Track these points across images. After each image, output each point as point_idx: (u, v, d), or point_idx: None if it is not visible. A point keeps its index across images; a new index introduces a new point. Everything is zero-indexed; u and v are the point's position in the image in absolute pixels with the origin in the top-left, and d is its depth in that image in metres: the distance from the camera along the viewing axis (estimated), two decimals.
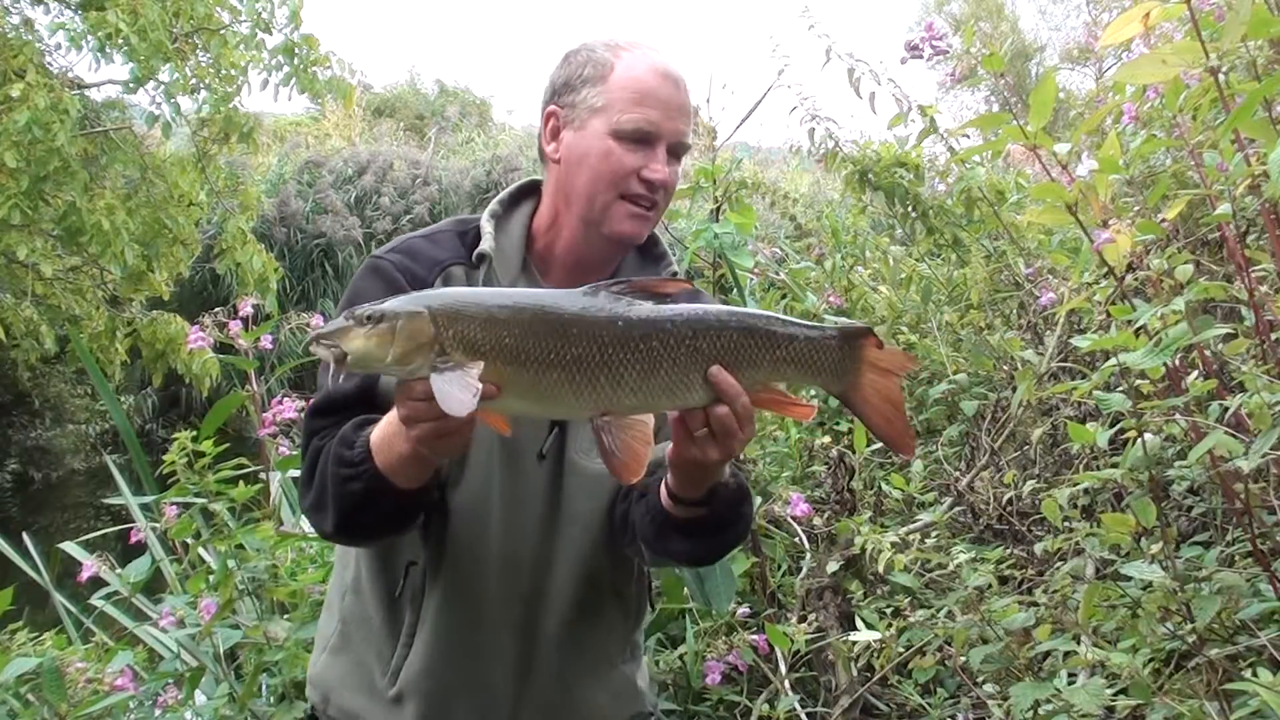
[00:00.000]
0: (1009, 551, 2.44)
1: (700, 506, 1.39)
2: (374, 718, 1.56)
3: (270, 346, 2.90)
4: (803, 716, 2.46)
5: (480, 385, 1.12)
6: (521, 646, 1.55)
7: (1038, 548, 2.13)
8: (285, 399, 2.74)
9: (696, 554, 1.50)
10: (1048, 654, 2.08)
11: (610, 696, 1.64)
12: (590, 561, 1.56)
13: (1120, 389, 1.87)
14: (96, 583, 2.65)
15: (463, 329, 1.15)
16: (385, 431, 1.32)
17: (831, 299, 3.39)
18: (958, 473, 3.03)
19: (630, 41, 1.54)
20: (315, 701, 1.63)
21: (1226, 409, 1.78)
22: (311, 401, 1.52)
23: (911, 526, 2.69)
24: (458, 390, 1.11)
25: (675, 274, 1.62)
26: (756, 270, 3.50)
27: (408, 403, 1.19)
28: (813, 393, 2.60)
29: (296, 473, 2.44)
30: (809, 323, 1.30)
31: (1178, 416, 1.88)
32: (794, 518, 2.69)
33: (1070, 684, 1.92)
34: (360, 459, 1.34)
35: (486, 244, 1.53)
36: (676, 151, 1.52)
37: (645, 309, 1.22)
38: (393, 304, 1.16)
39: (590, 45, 1.54)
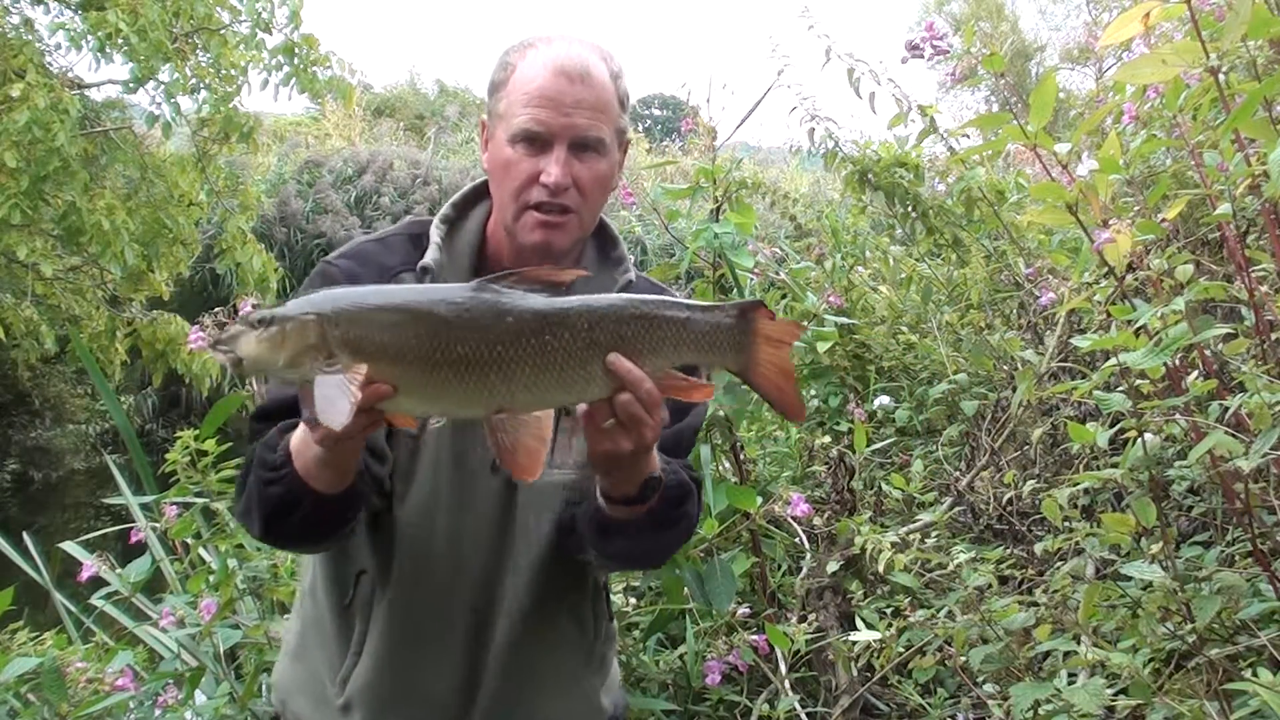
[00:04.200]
0: (1009, 551, 2.44)
1: (637, 505, 1.35)
2: None
3: None
4: (803, 716, 2.46)
5: (358, 392, 1.10)
6: (469, 660, 1.51)
7: (1038, 548, 2.13)
8: None
9: (639, 555, 1.46)
10: (1048, 654, 2.08)
11: (565, 713, 1.59)
12: (542, 575, 1.52)
13: (1120, 389, 1.87)
14: (96, 583, 2.64)
15: (347, 331, 1.13)
16: (302, 436, 1.29)
17: (831, 299, 3.39)
18: (958, 473, 3.04)
19: (546, 37, 1.46)
20: (276, 707, 1.62)
21: (1226, 409, 1.78)
22: (255, 407, 1.48)
23: (911, 526, 2.69)
24: (336, 397, 1.10)
25: (630, 281, 1.56)
26: (756, 270, 3.50)
27: (305, 406, 1.16)
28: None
29: None
30: (703, 303, 1.27)
31: (1178, 416, 1.88)
32: (794, 518, 2.69)
33: (1070, 684, 1.92)
34: (281, 463, 1.32)
35: (430, 256, 1.48)
36: (586, 145, 1.43)
37: (538, 302, 1.18)
38: (285, 307, 1.15)
39: (511, 47, 1.48)
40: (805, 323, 2.91)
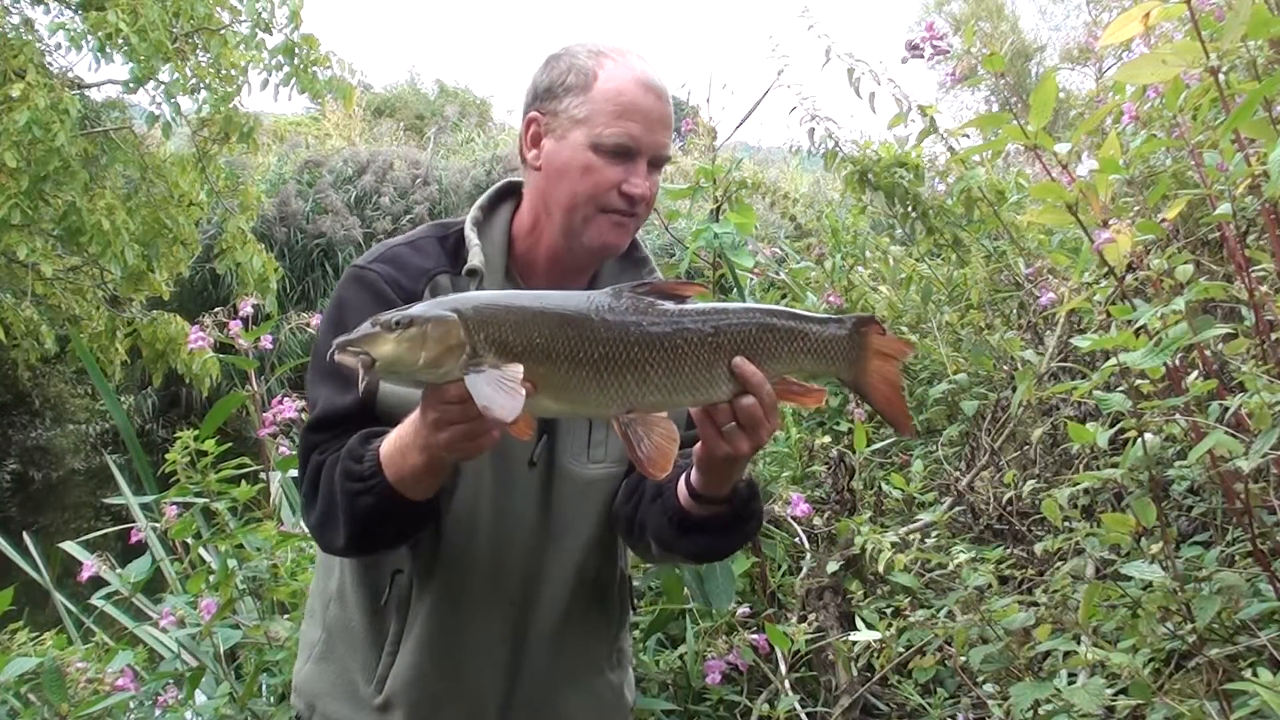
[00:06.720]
0: (1009, 551, 2.44)
1: (720, 504, 1.41)
2: None
3: (270, 346, 2.90)
4: (803, 716, 2.46)
5: (522, 387, 1.13)
6: (510, 653, 1.55)
7: (1038, 548, 2.13)
8: (285, 399, 2.74)
9: (711, 550, 1.52)
10: (1048, 654, 2.08)
11: (593, 703, 1.64)
12: (581, 567, 1.57)
13: (1120, 389, 1.87)
14: (97, 582, 2.64)
15: (494, 331, 1.16)
16: (397, 444, 1.30)
17: (831, 299, 3.39)
18: (958, 473, 3.03)
19: (614, 48, 1.51)
20: (300, 709, 1.62)
21: (1226, 409, 1.78)
22: (308, 416, 1.50)
23: (911, 526, 2.69)
24: (503, 393, 1.12)
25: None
26: (756, 270, 3.50)
27: (440, 406, 1.18)
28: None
29: (296, 473, 2.44)
30: (821, 315, 1.35)
31: (1178, 416, 1.87)
32: (794, 518, 2.69)
33: (1070, 684, 1.92)
34: (370, 473, 1.33)
35: (476, 259, 1.50)
36: (656, 163, 1.51)
37: (668, 308, 1.26)
38: (419, 309, 1.16)
39: (573, 51, 1.51)
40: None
